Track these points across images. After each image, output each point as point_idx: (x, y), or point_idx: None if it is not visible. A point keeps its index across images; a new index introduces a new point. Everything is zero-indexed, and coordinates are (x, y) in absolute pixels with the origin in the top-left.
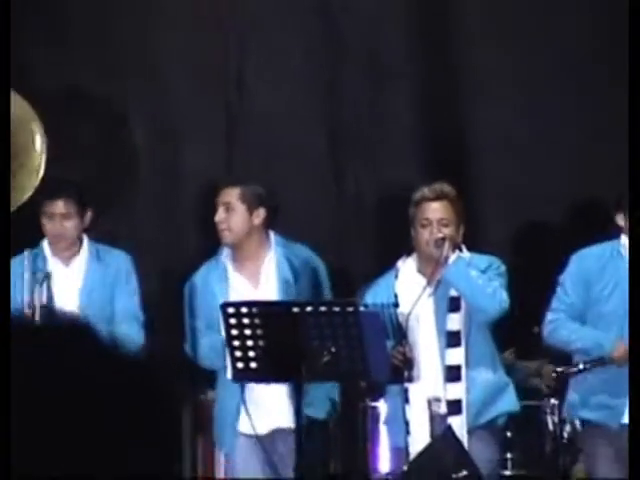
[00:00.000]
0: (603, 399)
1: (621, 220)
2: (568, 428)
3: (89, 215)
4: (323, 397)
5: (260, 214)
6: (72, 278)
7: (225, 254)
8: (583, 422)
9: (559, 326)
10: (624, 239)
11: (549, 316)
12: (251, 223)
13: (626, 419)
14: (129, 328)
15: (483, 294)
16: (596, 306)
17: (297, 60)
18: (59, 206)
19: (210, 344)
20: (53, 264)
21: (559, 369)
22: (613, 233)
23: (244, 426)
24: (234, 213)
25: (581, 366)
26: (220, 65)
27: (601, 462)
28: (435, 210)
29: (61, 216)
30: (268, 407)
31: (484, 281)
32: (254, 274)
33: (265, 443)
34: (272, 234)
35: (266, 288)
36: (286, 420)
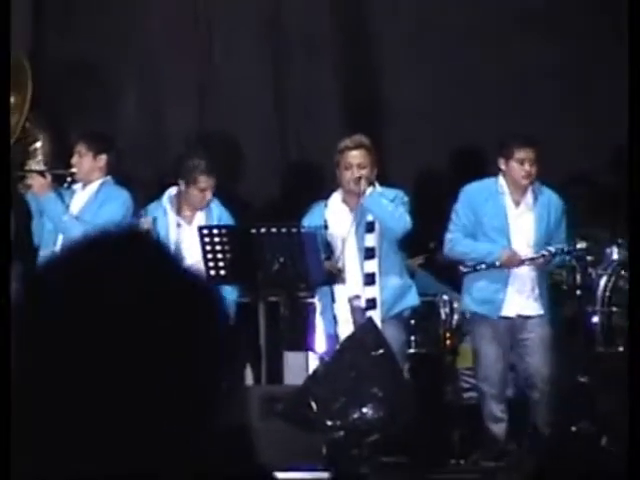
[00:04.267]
0: (486, 295)
1: (502, 164)
2: (456, 317)
3: (103, 158)
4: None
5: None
6: (81, 199)
7: (167, 199)
8: (471, 313)
9: (456, 243)
10: (501, 178)
11: (448, 236)
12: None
13: (504, 312)
14: (112, 209)
15: (392, 217)
16: (482, 227)
17: (251, 41)
18: (78, 146)
19: None
20: (77, 188)
21: (462, 268)
22: (493, 173)
23: None
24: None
25: (479, 267)
26: (193, 45)
27: (484, 343)
28: (355, 156)
29: (78, 154)
30: None
31: (393, 208)
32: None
33: None
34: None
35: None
36: None
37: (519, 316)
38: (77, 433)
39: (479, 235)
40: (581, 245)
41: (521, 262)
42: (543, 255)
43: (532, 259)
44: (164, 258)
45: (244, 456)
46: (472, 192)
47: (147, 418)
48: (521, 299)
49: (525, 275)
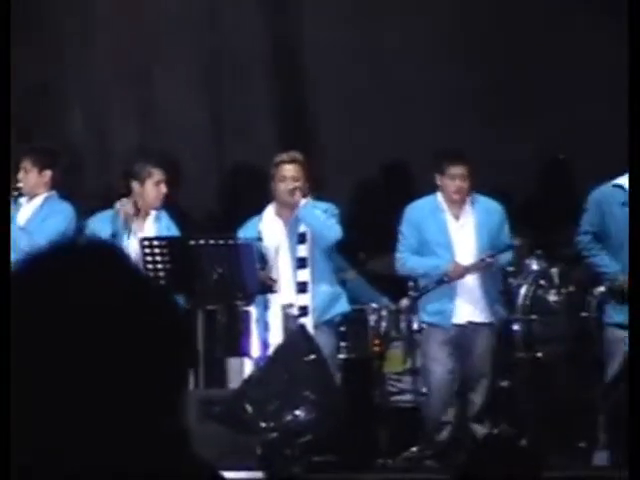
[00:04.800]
0: (438, 307)
1: (438, 180)
2: (384, 324)
3: (48, 174)
4: None
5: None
6: (26, 212)
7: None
8: (425, 324)
9: (406, 261)
10: (439, 195)
11: (397, 255)
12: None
13: (455, 320)
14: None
15: (325, 227)
16: (428, 244)
17: (189, 65)
18: (24, 162)
19: None
20: (23, 202)
21: (412, 293)
22: (425, 186)
23: None
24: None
25: (430, 287)
26: (136, 69)
27: (436, 350)
28: (289, 170)
29: (24, 169)
30: None
31: (325, 218)
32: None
33: None
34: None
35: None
36: None
37: (470, 323)
38: (39, 432)
39: (425, 251)
40: (517, 242)
41: (466, 271)
42: (482, 259)
43: (474, 265)
44: (124, 268)
45: (192, 455)
46: (414, 211)
47: (102, 420)
48: (470, 307)
49: (472, 284)
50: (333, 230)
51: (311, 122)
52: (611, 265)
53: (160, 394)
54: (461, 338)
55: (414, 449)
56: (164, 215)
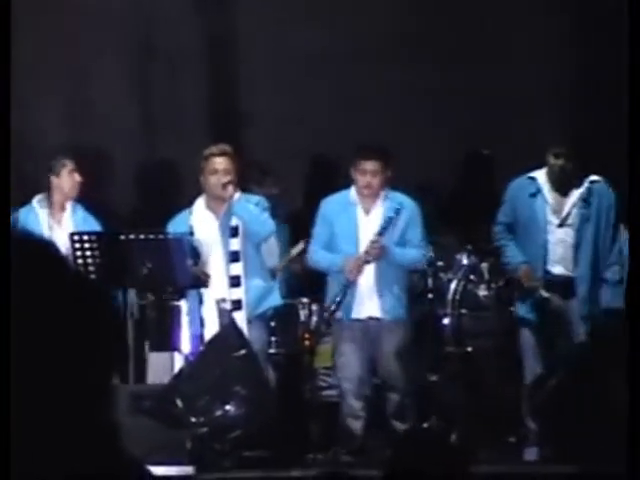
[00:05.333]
0: (345, 301)
1: (353, 174)
2: (315, 319)
3: None
4: None
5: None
6: None
7: (36, 201)
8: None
9: (314, 254)
10: (353, 189)
11: (309, 247)
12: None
13: (354, 315)
14: None
15: (258, 221)
16: (336, 239)
17: (120, 60)
18: None
19: None
20: None
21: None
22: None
23: None
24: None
25: (337, 299)
26: (63, 65)
27: (341, 343)
28: (220, 163)
29: None
30: None
31: (258, 212)
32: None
33: None
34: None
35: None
36: None
37: (370, 318)
38: None
39: (333, 246)
40: (391, 215)
41: (360, 261)
42: (374, 241)
43: (366, 252)
44: (55, 262)
45: (120, 450)
46: (328, 205)
47: (30, 416)
48: (369, 302)
49: (371, 279)
50: (266, 224)
51: (242, 116)
52: (515, 256)
53: (89, 388)
54: (366, 334)
55: (336, 448)
56: (79, 207)
